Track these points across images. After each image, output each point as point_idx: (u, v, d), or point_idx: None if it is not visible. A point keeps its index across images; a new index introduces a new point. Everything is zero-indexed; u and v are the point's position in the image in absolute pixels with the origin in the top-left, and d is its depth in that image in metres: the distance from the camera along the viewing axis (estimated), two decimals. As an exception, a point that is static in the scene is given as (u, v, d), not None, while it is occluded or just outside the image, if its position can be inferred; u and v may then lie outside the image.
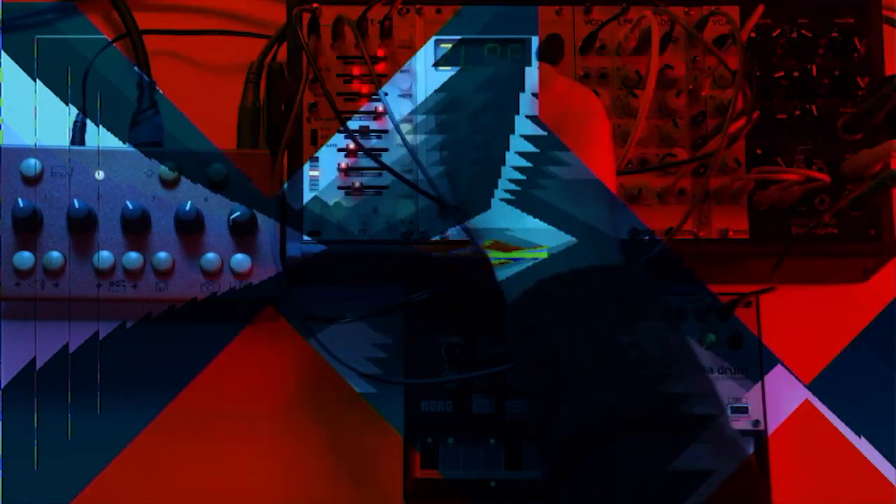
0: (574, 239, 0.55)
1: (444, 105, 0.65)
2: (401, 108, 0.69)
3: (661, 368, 0.49)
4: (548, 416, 0.51)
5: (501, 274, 0.56)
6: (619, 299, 0.51)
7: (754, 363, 0.74)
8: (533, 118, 0.58)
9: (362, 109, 0.70)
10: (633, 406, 0.48)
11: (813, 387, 0.76)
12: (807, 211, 0.70)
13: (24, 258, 0.69)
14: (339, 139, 0.70)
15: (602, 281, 0.52)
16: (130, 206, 0.69)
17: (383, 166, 0.65)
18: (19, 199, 0.69)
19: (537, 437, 0.53)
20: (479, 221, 0.59)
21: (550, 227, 0.55)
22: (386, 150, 0.69)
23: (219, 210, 0.71)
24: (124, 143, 0.76)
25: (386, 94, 0.70)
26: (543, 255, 0.54)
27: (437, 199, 0.64)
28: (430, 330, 0.73)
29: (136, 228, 0.70)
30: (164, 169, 0.71)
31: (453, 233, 0.68)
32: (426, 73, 0.70)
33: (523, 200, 0.56)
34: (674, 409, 0.48)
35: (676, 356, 0.51)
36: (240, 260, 0.70)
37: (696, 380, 0.51)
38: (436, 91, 0.66)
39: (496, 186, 0.57)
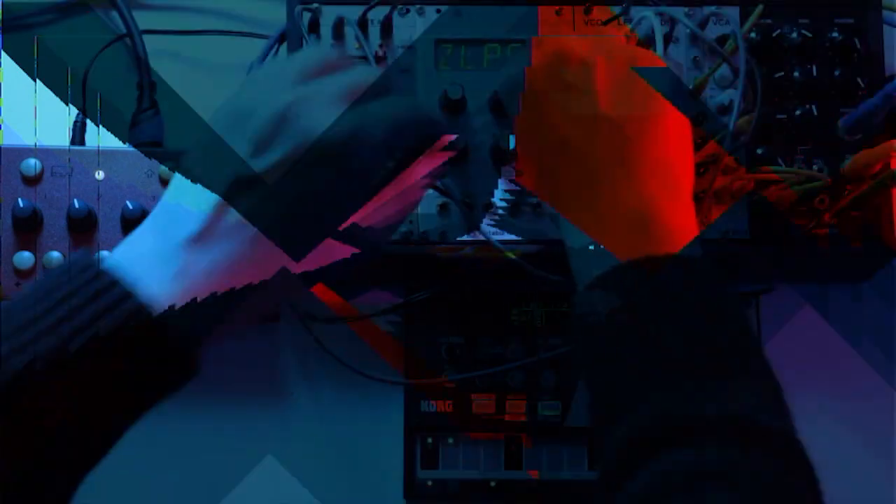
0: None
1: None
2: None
3: (731, 376, 0.47)
4: (611, 418, 0.48)
5: (575, 262, 0.54)
6: (698, 298, 0.49)
7: (754, 363, 0.74)
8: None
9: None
10: (698, 413, 0.46)
11: (813, 387, 0.76)
12: (807, 211, 0.70)
13: (24, 258, 0.69)
14: (339, 139, 0.70)
15: (681, 275, 0.50)
16: (130, 206, 0.69)
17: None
18: (19, 199, 0.69)
19: (597, 439, 0.50)
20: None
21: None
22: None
23: (219, 210, 0.71)
24: (124, 143, 0.76)
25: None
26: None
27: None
28: (430, 330, 0.73)
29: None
30: (164, 169, 0.71)
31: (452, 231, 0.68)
32: (426, 73, 0.70)
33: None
34: (744, 421, 0.46)
35: (748, 363, 0.49)
36: (240, 260, 0.70)
37: (763, 390, 0.48)
38: None
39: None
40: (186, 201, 0.48)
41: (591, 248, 0.53)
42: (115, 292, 0.45)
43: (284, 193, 0.47)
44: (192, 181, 0.48)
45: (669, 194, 0.54)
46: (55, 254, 0.69)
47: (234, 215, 0.47)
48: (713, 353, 0.48)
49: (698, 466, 0.44)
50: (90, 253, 0.47)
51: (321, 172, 0.47)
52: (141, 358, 0.45)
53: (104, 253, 0.48)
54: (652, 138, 0.55)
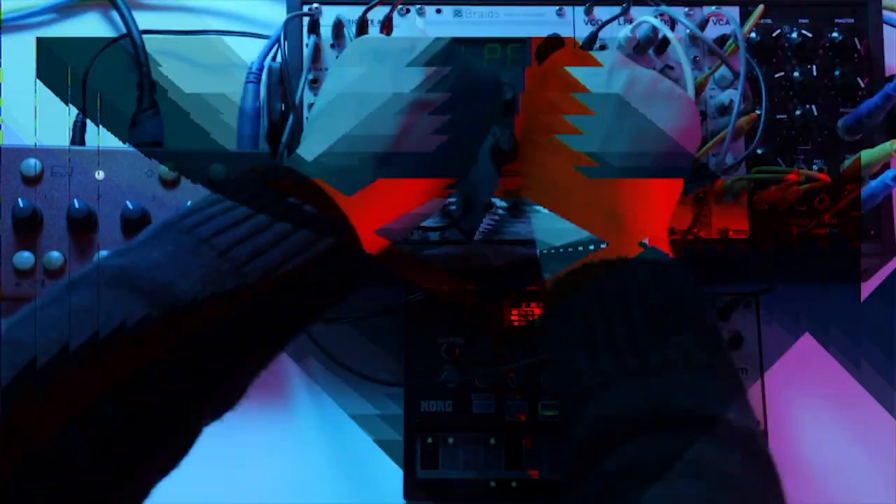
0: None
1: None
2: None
3: (695, 373, 0.48)
4: (576, 408, 0.49)
5: (546, 260, 0.55)
6: (665, 297, 0.50)
7: (754, 363, 0.74)
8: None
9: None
10: (663, 406, 0.46)
11: (812, 387, 0.76)
12: (807, 211, 0.70)
13: (24, 258, 0.69)
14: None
15: (649, 274, 0.51)
16: (130, 206, 0.69)
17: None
18: (19, 199, 0.69)
19: (562, 431, 0.51)
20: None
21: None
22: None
23: (219, 210, 0.71)
24: (124, 143, 0.76)
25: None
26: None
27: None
28: (430, 330, 0.73)
29: (136, 228, 0.70)
30: (164, 169, 0.71)
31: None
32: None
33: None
34: (706, 415, 0.46)
35: (712, 361, 0.49)
36: (240, 260, 0.70)
37: (727, 387, 0.49)
38: None
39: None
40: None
41: (562, 248, 0.54)
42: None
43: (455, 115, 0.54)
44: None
45: (645, 204, 0.55)
46: (55, 254, 0.69)
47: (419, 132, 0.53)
48: (678, 351, 0.48)
49: (661, 457, 0.45)
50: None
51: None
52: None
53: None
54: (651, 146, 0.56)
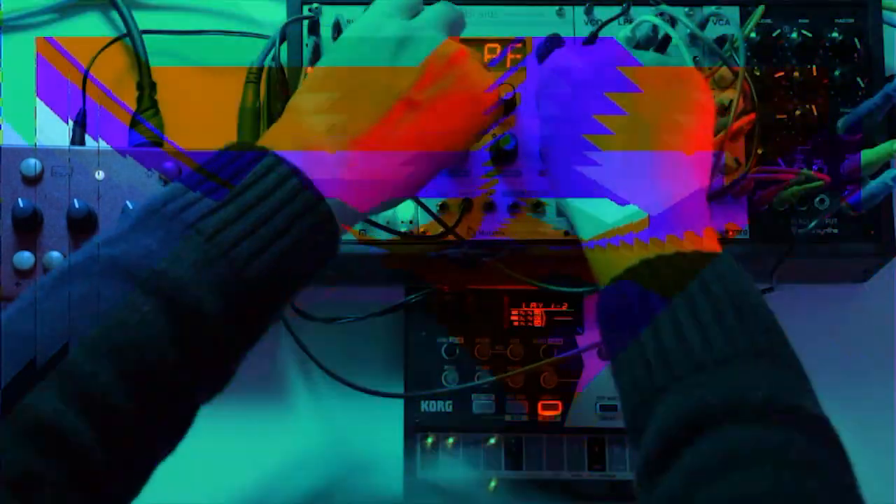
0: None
1: None
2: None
3: (764, 363, 0.49)
4: (647, 406, 0.49)
5: (595, 256, 0.56)
6: (727, 290, 0.50)
7: (754, 363, 0.74)
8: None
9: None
10: (738, 398, 0.47)
11: (812, 387, 0.76)
12: (807, 211, 0.70)
13: (24, 258, 0.69)
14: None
15: (710, 269, 0.51)
16: (130, 206, 0.69)
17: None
18: (19, 199, 0.69)
19: (631, 430, 0.51)
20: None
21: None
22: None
23: (219, 210, 0.71)
24: (124, 143, 0.76)
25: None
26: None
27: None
28: (430, 330, 0.73)
29: (136, 228, 0.70)
30: (163, 169, 0.71)
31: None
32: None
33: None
34: (781, 405, 0.47)
35: (778, 352, 0.50)
36: (240, 260, 0.70)
37: (795, 376, 0.50)
38: None
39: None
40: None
41: (608, 242, 0.54)
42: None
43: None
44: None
45: (688, 185, 0.56)
46: (55, 254, 0.69)
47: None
48: (746, 342, 0.49)
49: (744, 446, 0.45)
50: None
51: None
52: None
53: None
54: (676, 136, 0.57)
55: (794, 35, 0.71)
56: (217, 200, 0.49)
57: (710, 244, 0.54)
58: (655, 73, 0.59)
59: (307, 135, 0.53)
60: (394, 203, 0.59)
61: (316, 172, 0.51)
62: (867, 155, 0.67)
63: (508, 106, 0.69)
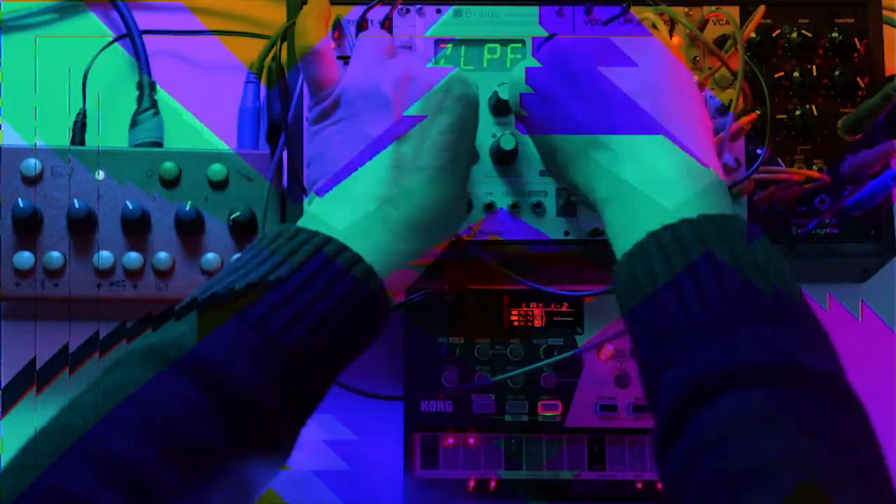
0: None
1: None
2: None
3: (777, 321, 0.47)
4: (665, 363, 0.48)
5: (611, 229, 0.55)
6: (732, 253, 0.49)
7: (754, 363, 0.74)
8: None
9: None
10: (750, 359, 0.46)
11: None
12: (807, 211, 0.70)
13: (24, 258, 0.69)
14: (339, 139, 0.70)
15: (714, 233, 0.50)
16: (130, 206, 0.69)
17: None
18: (19, 199, 0.69)
19: (647, 387, 0.50)
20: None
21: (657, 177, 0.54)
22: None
23: (219, 210, 0.71)
24: (124, 143, 0.76)
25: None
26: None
27: None
28: (430, 330, 0.73)
29: (136, 228, 0.70)
30: (163, 169, 0.71)
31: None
32: (426, 73, 0.70)
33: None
34: (792, 363, 0.46)
35: (792, 308, 0.49)
36: (240, 260, 0.70)
37: (810, 330, 0.49)
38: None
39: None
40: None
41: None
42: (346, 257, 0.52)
43: (429, 135, 0.57)
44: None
45: (699, 152, 0.55)
46: (55, 254, 0.69)
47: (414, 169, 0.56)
48: (746, 307, 0.48)
49: (735, 418, 0.44)
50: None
51: (449, 105, 0.58)
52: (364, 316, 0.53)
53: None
54: (670, 101, 0.57)
55: (794, 35, 0.71)
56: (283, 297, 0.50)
57: (726, 203, 0.53)
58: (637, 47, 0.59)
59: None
60: None
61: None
62: (867, 155, 0.67)
63: (508, 107, 0.69)
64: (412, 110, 0.57)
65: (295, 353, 0.49)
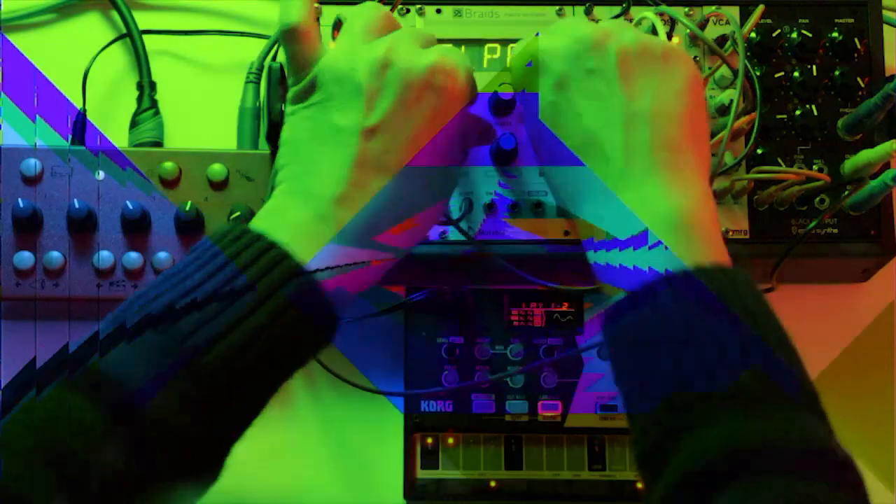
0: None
1: None
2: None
3: (789, 411, 0.46)
4: (673, 439, 0.45)
5: (601, 273, 0.53)
6: (745, 309, 0.47)
7: (754, 363, 0.74)
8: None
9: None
10: (767, 444, 0.44)
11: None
12: (807, 211, 0.70)
13: (24, 258, 0.69)
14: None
15: (727, 285, 0.48)
16: (130, 206, 0.69)
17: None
18: (19, 199, 0.69)
19: (646, 465, 0.47)
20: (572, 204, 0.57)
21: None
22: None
23: (219, 210, 0.71)
24: (124, 143, 0.76)
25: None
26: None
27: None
28: (430, 330, 0.73)
29: (136, 228, 0.70)
30: (164, 169, 0.71)
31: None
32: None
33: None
34: (814, 451, 0.44)
35: (800, 384, 0.47)
36: (240, 260, 0.70)
37: (821, 416, 0.47)
38: None
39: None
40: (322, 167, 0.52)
41: (615, 259, 0.52)
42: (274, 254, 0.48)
43: (402, 131, 0.53)
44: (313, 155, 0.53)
45: (697, 194, 0.53)
46: (55, 254, 0.69)
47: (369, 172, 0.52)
48: (766, 374, 0.46)
49: (775, 497, 0.42)
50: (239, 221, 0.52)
51: (428, 99, 0.53)
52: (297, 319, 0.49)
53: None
54: (679, 130, 0.54)
55: (794, 35, 0.71)
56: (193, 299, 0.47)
57: (723, 252, 0.51)
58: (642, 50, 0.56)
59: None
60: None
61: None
62: (867, 155, 0.67)
63: (508, 106, 0.69)
64: (384, 101, 0.53)
65: (217, 374, 0.46)
